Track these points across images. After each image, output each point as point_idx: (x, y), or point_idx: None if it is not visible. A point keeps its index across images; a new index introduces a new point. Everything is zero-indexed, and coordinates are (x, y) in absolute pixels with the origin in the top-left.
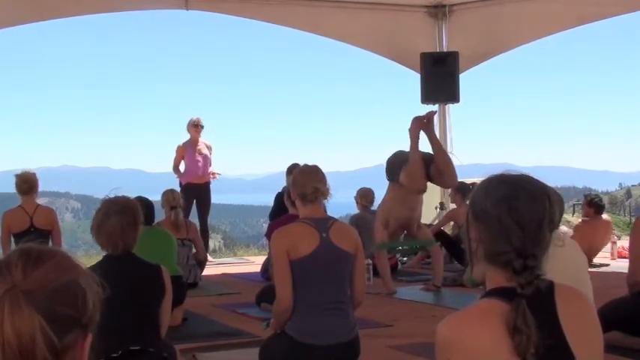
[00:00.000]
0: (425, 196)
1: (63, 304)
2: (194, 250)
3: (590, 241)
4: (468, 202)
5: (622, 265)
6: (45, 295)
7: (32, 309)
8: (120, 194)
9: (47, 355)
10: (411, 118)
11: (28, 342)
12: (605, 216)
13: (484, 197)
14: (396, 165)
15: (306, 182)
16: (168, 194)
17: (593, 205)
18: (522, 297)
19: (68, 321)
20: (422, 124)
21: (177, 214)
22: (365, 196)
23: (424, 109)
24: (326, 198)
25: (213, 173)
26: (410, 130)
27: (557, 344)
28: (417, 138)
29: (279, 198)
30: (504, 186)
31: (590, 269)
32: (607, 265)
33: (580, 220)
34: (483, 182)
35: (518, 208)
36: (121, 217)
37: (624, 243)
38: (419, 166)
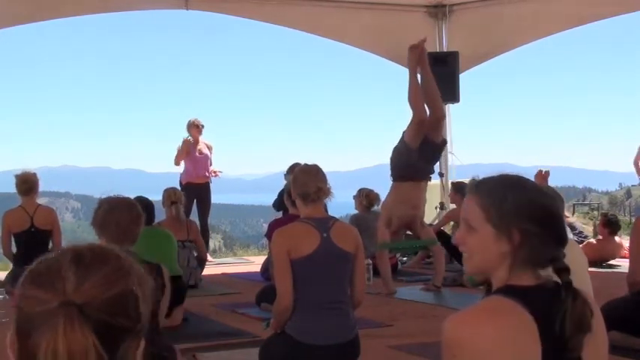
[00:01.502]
0: (425, 196)
1: (116, 315)
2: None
3: (596, 259)
4: (491, 203)
5: (622, 265)
6: (98, 308)
7: (86, 326)
8: (119, 195)
9: None
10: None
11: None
12: (618, 238)
13: (538, 197)
14: (401, 148)
15: (308, 182)
16: (170, 191)
17: (608, 225)
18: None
19: (121, 332)
20: (419, 53)
21: (178, 210)
22: (368, 196)
23: None
24: (328, 197)
25: (214, 171)
26: (408, 60)
27: None
28: (415, 68)
29: (283, 193)
30: (531, 183)
31: (600, 269)
32: (618, 265)
33: (594, 238)
34: (504, 182)
35: (556, 202)
36: (126, 211)
37: (624, 243)
38: (419, 93)
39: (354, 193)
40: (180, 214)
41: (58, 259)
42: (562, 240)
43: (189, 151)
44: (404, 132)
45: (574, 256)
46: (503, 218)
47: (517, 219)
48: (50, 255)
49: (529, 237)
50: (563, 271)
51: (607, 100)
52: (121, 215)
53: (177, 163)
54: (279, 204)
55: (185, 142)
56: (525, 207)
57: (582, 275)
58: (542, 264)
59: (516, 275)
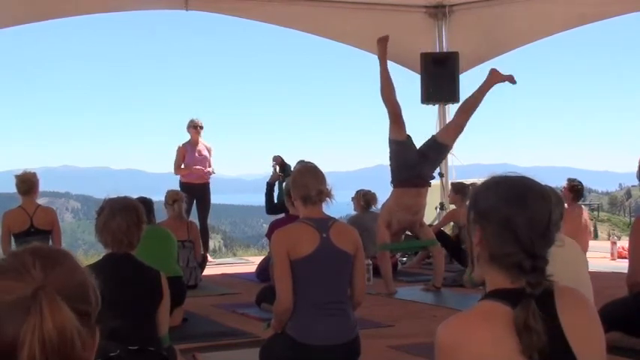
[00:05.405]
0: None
1: (80, 302)
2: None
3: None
4: (468, 203)
5: (622, 266)
6: (67, 294)
7: (66, 307)
8: (120, 195)
9: (81, 349)
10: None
11: (69, 337)
12: (582, 207)
13: (491, 197)
14: (395, 149)
15: (309, 184)
16: (172, 191)
17: (574, 190)
18: (532, 297)
19: (85, 317)
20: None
21: (180, 207)
22: (365, 196)
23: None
24: (329, 198)
25: (209, 172)
26: (378, 52)
27: (558, 345)
28: (385, 61)
29: (269, 188)
30: (510, 186)
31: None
32: None
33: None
34: (486, 183)
35: (527, 208)
36: (126, 215)
37: (624, 243)
38: (392, 87)
39: (355, 193)
40: (182, 212)
41: (19, 255)
42: (520, 241)
43: (186, 153)
44: (389, 137)
45: (574, 256)
46: (472, 218)
47: (481, 218)
48: (9, 254)
49: (487, 234)
50: (531, 273)
51: (607, 101)
52: (120, 221)
53: (177, 173)
54: (270, 208)
55: (179, 150)
56: (488, 207)
57: (582, 275)
58: (509, 264)
59: (500, 278)
